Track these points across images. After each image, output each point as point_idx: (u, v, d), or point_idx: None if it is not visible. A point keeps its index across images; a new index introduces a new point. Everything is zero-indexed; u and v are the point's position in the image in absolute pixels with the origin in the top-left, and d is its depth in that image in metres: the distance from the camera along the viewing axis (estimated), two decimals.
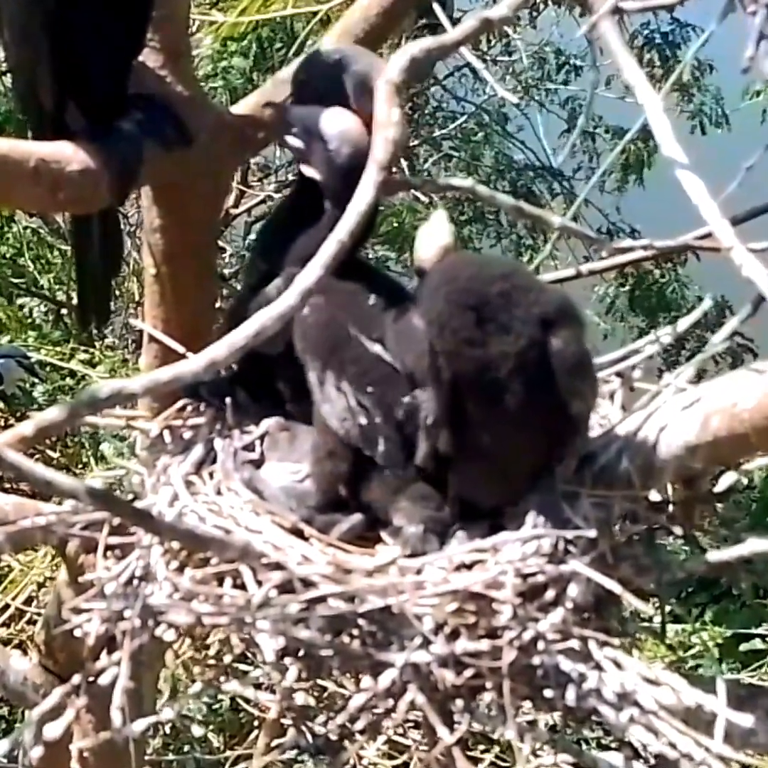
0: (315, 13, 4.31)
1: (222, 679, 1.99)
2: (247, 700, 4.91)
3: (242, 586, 1.86)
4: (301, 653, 1.85)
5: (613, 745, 1.96)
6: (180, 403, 2.22)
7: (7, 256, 7.36)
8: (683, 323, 2.29)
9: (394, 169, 1.76)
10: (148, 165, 2.45)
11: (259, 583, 1.84)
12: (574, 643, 1.80)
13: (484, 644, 1.78)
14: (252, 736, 5.19)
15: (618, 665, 1.79)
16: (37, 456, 5.93)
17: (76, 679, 1.95)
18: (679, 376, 2.00)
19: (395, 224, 7.50)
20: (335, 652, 1.82)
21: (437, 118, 9.52)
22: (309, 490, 2.02)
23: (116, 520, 2.02)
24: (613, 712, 1.78)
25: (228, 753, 5.26)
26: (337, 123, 2.08)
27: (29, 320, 7.07)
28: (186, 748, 5.33)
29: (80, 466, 6.11)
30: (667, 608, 2.08)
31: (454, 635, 1.79)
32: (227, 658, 1.97)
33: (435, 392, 1.89)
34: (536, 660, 1.78)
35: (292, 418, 2.13)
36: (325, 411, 2.01)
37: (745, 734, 1.78)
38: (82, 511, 2.06)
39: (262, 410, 2.16)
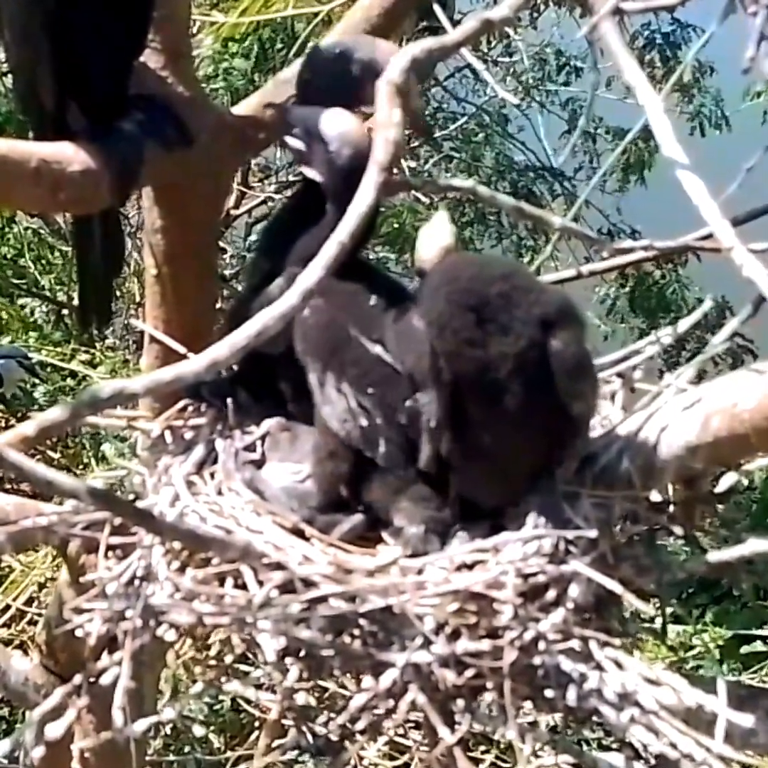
0: (316, 14, 4.31)
1: (223, 679, 1.99)
2: (248, 701, 4.92)
3: (243, 586, 1.86)
4: (302, 653, 1.85)
5: (613, 745, 1.96)
6: (181, 404, 2.22)
7: (8, 256, 7.37)
8: (684, 324, 2.30)
9: (394, 170, 1.76)
10: (149, 165, 2.45)
11: (261, 583, 1.84)
12: (575, 644, 1.80)
13: (485, 644, 1.78)
14: (253, 736, 5.19)
15: (619, 665, 1.80)
16: (37, 456, 5.93)
17: (78, 679, 1.96)
18: (680, 377, 2.00)
19: (396, 225, 7.50)
20: (336, 652, 1.82)
21: (438, 119, 9.51)
22: (310, 490, 2.03)
23: (117, 521, 2.02)
24: (613, 713, 1.78)
25: (229, 753, 5.26)
26: (337, 124, 2.08)
27: (30, 321, 7.07)
28: (187, 748, 5.33)
29: (81, 466, 6.11)
30: (668, 609, 2.08)
31: (455, 635, 1.79)
32: (228, 659, 1.97)
33: (436, 393, 1.90)
34: (537, 660, 1.79)
35: (294, 418, 2.13)
36: (325, 412, 2.01)
37: (745, 734, 1.78)
38: (84, 512, 2.06)
39: (264, 411, 2.16)
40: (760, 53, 1.65)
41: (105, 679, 1.90)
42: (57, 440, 6.27)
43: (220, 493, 2.03)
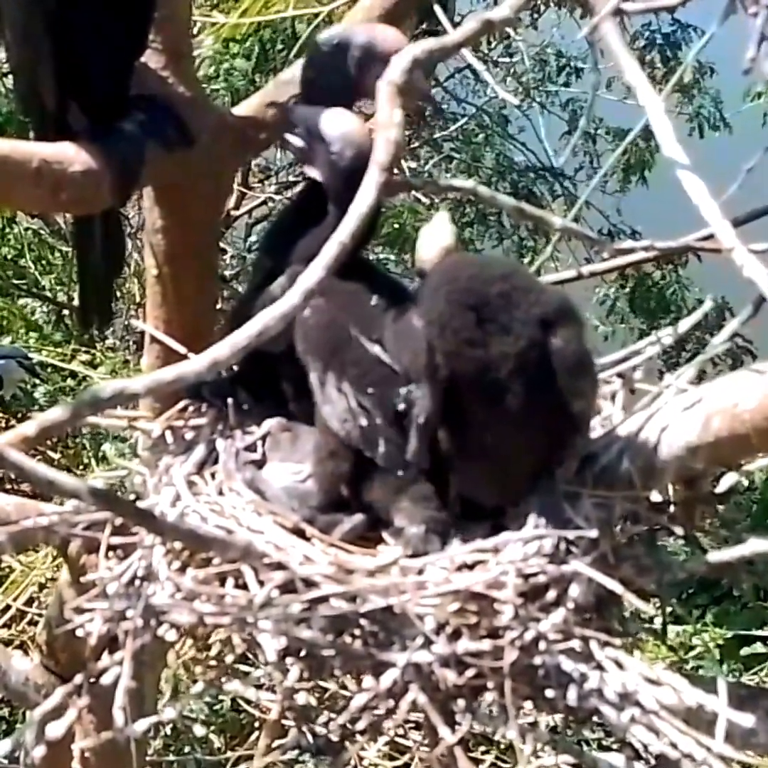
0: (317, 15, 4.31)
1: (223, 679, 1.99)
2: (248, 701, 4.92)
3: (244, 586, 1.86)
4: (303, 653, 1.85)
5: (613, 746, 1.96)
6: (182, 404, 2.22)
7: (9, 257, 7.37)
8: (684, 324, 2.30)
9: (395, 171, 1.77)
10: (150, 166, 2.45)
11: (261, 583, 1.84)
12: (575, 643, 1.80)
13: (486, 644, 1.78)
14: (253, 736, 5.19)
15: (619, 665, 1.80)
16: (38, 457, 5.93)
17: (78, 679, 1.96)
18: (680, 377, 2.00)
19: (396, 226, 7.51)
20: (337, 652, 1.83)
21: (438, 120, 9.51)
22: (311, 490, 2.03)
23: (118, 521, 2.02)
24: (614, 712, 1.78)
25: (229, 753, 5.26)
26: (339, 125, 2.08)
27: (31, 321, 7.07)
28: (187, 748, 5.33)
29: (81, 467, 6.11)
30: (668, 609, 2.08)
31: (455, 635, 1.79)
32: (229, 659, 1.97)
33: (430, 390, 1.90)
34: (538, 660, 1.79)
35: (294, 418, 2.13)
36: (325, 412, 2.01)
37: (746, 734, 1.78)
38: (85, 512, 2.06)
39: (264, 411, 2.16)
40: (761, 54, 1.65)
41: (106, 679, 1.90)
42: (57, 440, 6.28)
43: (221, 493, 2.03)
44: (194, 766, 5.32)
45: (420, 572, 1.85)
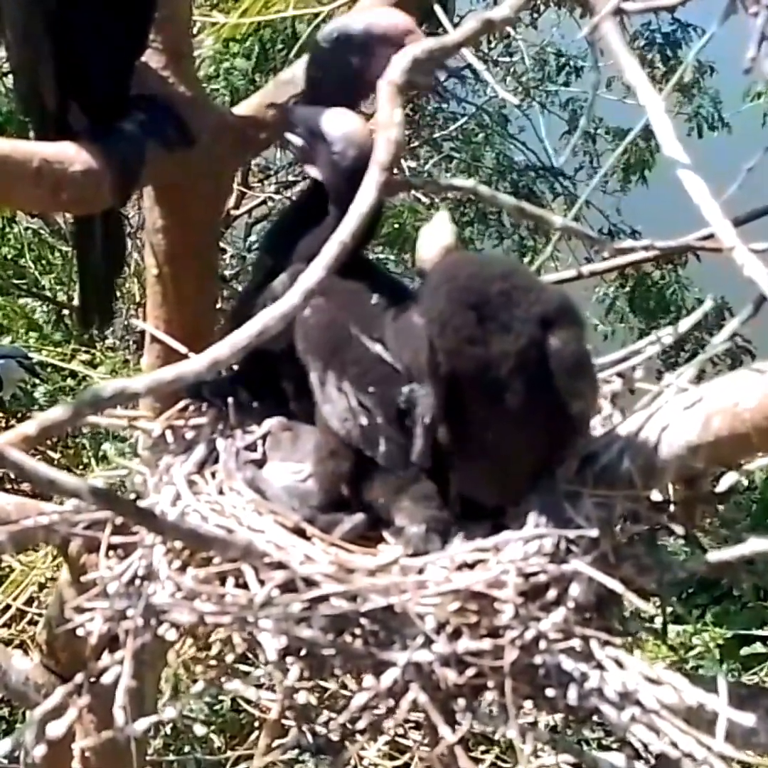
0: (317, 15, 4.31)
1: (224, 678, 1.99)
2: (248, 701, 4.92)
3: (244, 586, 1.86)
4: (303, 652, 1.85)
5: (613, 745, 1.96)
6: (182, 403, 2.22)
7: (9, 256, 7.37)
8: (684, 324, 2.29)
9: (395, 170, 1.77)
10: (150, 165, 2.45)
11: (262, 583, 1.84)
12: (575, 643, 1.80)
13: (486, 643, 1.78)
14: (253, 736, 5.19)
15: (620, 664, 1.80)
16: (38, 456, 5.93)
17: (79, 678, 1.96)
18: (681, 377, 2.00)
19: (396, 225, 7.51)
20: (337, 651, 1.83)
21: (438, 119, 9.52)
22: (311, 489, 2.03)
23: (119, 520, 2.03)
24: (614, 712, 1.78)
25: (229, 753, 5.26)
26: (341, 124, 2.08)
27: (31, 321, 7.08)
28: (187, 748, 5.34)
29: (81, 466, 6.12)
30: (668, 609, 2.08)
31: (456, 634, 1.79)
32: (229, 658, 1.97)
33: (433, 389, 1.90)
34: (538, 659, 1.79)
35: (295, 417, 2.13)
36: (326, 411, 2.01)
37: (746, 734, 1.78)
38: (85, 511, 2.06)
39: (265, 410, 2.16)
40: (761, 54, 1.65)
41: (106, 679, 1.90)
42: (57, 440, 6.28)
43: (221, 492, 2.03)
44: (194, 766, 5.32)
45: (420, 571, 1.85)
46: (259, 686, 2.00)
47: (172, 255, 2.68)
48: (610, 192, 9.31)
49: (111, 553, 2.04)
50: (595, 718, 1.85)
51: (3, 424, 6.46)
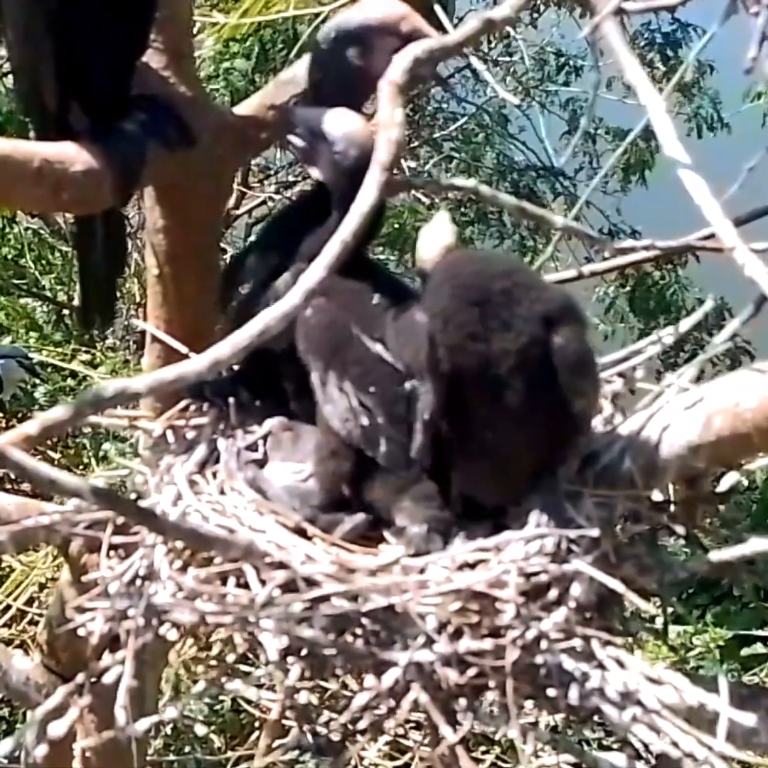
0: (317, 15, 4.31)
1: (224, 679, 1.99)
2: (249, 701, 4.92)
3: (246, 586, 1.86)
4: (304, 652, 1.85)
5: (614, 746, 1.96)
6: (183, 403, 2.22)
7: (9, 257, 7.38)
8: (685, 324, 2.29)
9: (395, 170, 1.77)
10: (151, 166, 2.45)
11: (263, 583, 1.84)
12: (576, 643, 1.80)
13: (488, 643, 1.78)
14: (253, 736, 5.19)
15: (621, 664, 1.80)
16: (38, 456, 5.93)
17: (80, 678, 1.96)
18: (682, 376, 2.00)
19: (396, 226, 7.51)
20: (338, 651, 1.83)
21: (438, 119, 9.53)
22: (312, 489, 2.03)
23: (120, 520, 2.03)
24: (616, 711, 1.78)
25: (229, 753, 5.26)
26: (342, 124, 2.07)
27: (31, 321, 7.08)
28: (187, 748, 5.34)
29: (81, 466, 6.12)
30: (669, 609, 2.08)
31: (457, 634, 1.79)
32: (230, 658, 1.97)
33: (433, 386, 1.90)
34: (539, 659, 1.79)
35: (296, 417, 2.13)
36: (327, 411, 2.01)
37: (747, 733, 1.78)
38: (86, 511, 2.06)
39: (265, 410, 2.16)
40: (762, 54, 1.65)
41: (107, 679, 1.90)
42: (57, 440, 6.28)
43: (222, 492, 2.03)
44: (194, 766, 5.32)
45: (422, 571, 1.85)
46: (259, 686, 2.00)
47: (173, 255, 2.68)
48: (610, 192, 9.32)
49: (112, 553, 2.04)
50: (595, 718, 1.85)
51: (3, 425, 6.46)
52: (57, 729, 1.90)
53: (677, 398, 1.90)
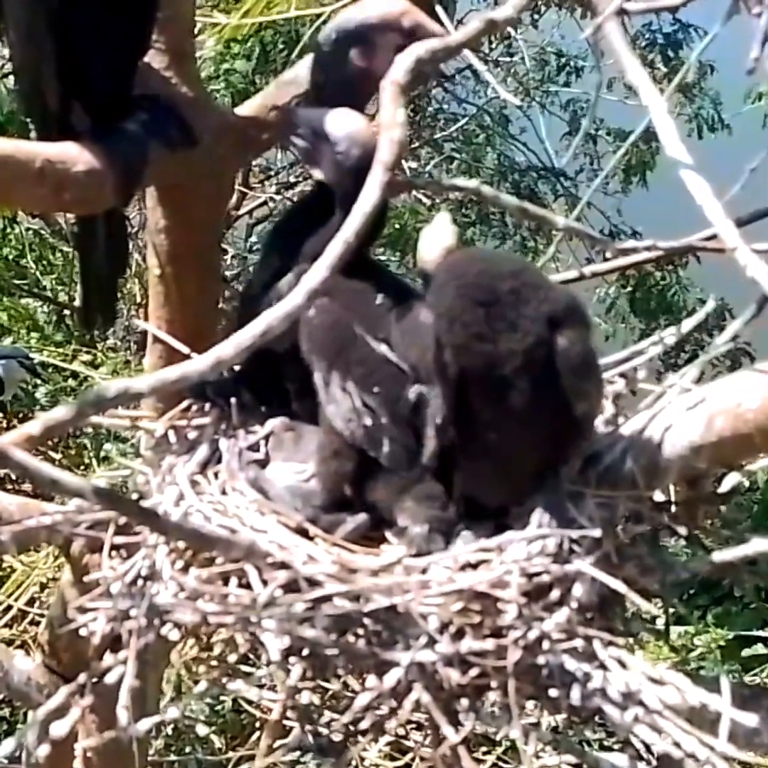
0: (319, 15, 4.31)
1: (226, 679, 1.99)
2: (250, 702, 4.92)
3: (247, 586, 1.86)
4: (306, 652, 1.85)
5: (615, 746, 1.96)
6: (185, 403, 2.22)
7: (10, 257, 7.38)
8: (687, 324, 2.29)
9: (396, 171, 1.77)
10: (153, 166, 2.45)
11: (265, 583, 1.84)
12: (578, 643, 1.80)
13: (490, 643, 1.78)
14: (254, 737, 5.19)
15: (623, 665, 1.80)
16: (39, 457, 5.93)
17: (82, 678, 1.96)
18: (684, 377, 2.00)
19: (397, 226, 7.52)
20: (340, 651, 1.82)
21: (439, 120, 9.53)
22: (314, 489, 2.03)
23: (122, 520, 2.03)
24: (617, 712, 1.78)
25: (230, 754, 5.26)
26: (345, 124, 2.07)
27: (31, 321, 7.08)
28: (188, 748, 5.34)
29: (82, 467, 6.12)
30: (671, 609, 2.08)
31: (459, 634, 1.79)
32: (231, 658, 1.97)
33: (442, 389, 1.90)
34: (541, 659, 1.79)
35: (298, 417, 2.13)
36: (330, 412, 2.01)
37: (749, 734, 1.78)
38: (88, 511, 2.06)
39: (267, 410, 2.16)
40: (764, 54, 1.65)
41: (109, 679, 1.90)
42: (58, 441, 6.28)
43: (224, 492, 2.03)
44: (195, 766, 5.32)
45: (423, 571, 1.85)
46: (261, 686, 2.00)
47: (175, 255, 2.68)
48: (610, 193, 9.33)
49: (114, 553, 2.04)
50: (597, 718, 1.85)
51: (5, 425, 6.46)
52: (59, 729, 1.90)
53: (679, 399, 1.90)
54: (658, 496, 1.98)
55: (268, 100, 2.65)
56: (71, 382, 6.46)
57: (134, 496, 2.14)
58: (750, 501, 5.54)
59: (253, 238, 9.04)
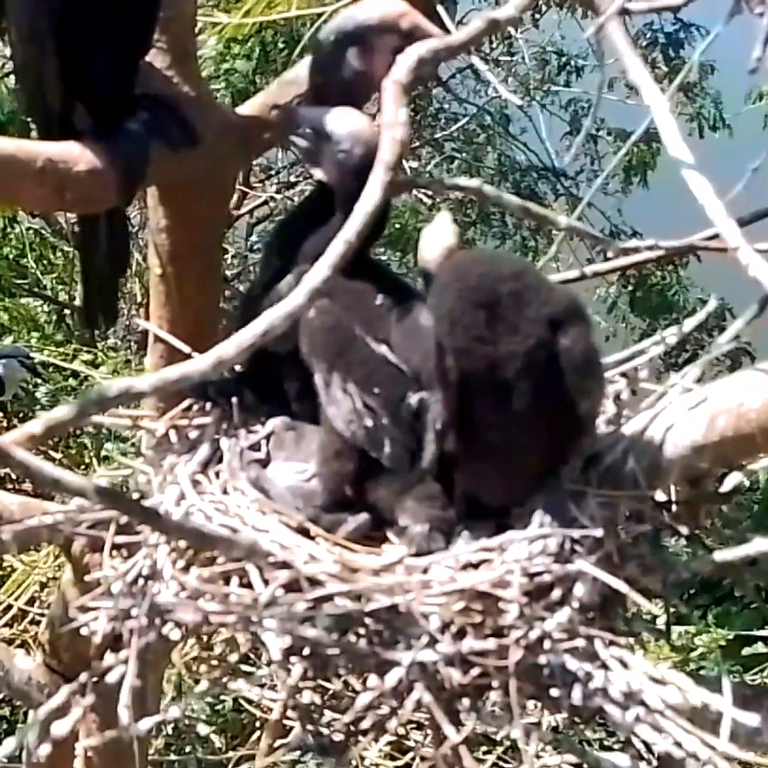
0: (319, 15, 4.31)
1: (226, 678, 1.99)
2: (250, 701, 4.92)
3: (249, 585, 1.86)
4: (307, 652, 1.85)
5: (615, 746, 1.96)
6: (186, 403, 2.22)
7: (10, 257, 7.38)
8: (689, 324, 2.29)
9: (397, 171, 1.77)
10: (155, 165, 2.46)
11: (266, 582, 1.84)
12: (580, 643, 1.80)
13: (491, 643, 1.78)
14: (254, 736, 5.20)
15: (624, 664, 1.80)
16: (40, 456, 5.92)
17: (83, 677, 1.96)
18: (686, 376, 2.00)
19: (398, 226, 7.52)
20: (342, 650, 1.82)
21: (439, 120, 9.54)
22: (315, 489, 2.03)
23: (123, 519, 2.03)
24: (619, 711, 1.78)
25: (230, 753, 5.26)
26: (346, 123, 2.06)
27: (32, 321, 7.08)
28: (188, 748, 5.34)
29: (82, 466, 6.12)
30: (672, 609, 2.08)
31: (460, 634, 1.79)
32: (232, 658, 1.97)
33: (443, 393, 1.90)
34: (542, 659, 1.79)
35: (299, 417, 2.13)
36: (331, 413, 2.00)
37: (750, 733, 1.78)
38: (89, 510, 2.06)
39: (269, 410, 2.16)
40: (767, 54, 1.65)
41: (110, 678, 1.90)
42: (58, 440, 6.28)
43: (225, 491, 2.03)
44: (196, 766, 5.33)
45: (425, 571, 1.85)
46: (261, 686, 2.00)
47: (176, 255, 2.68)
48: (611, 193, 9.33)
49: (115, 552, 2.04)
50: (598, 718, 1.85)
51: (5, 424, 6.47)
52: (59, 729, 1.90)
53: (681, 398, 1.90)
54: (660, 496, 1.98)
55: (270, 100, 2.65)
56: (72, 381, 6.46)
57: (135, 496, 2.14)
58: (751, 501, 5.54)
59: (254, 238, 9.04)
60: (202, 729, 5.26)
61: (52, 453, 6.23)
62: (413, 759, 4.29)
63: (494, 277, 1.88)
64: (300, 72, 2.57)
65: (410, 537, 1.93)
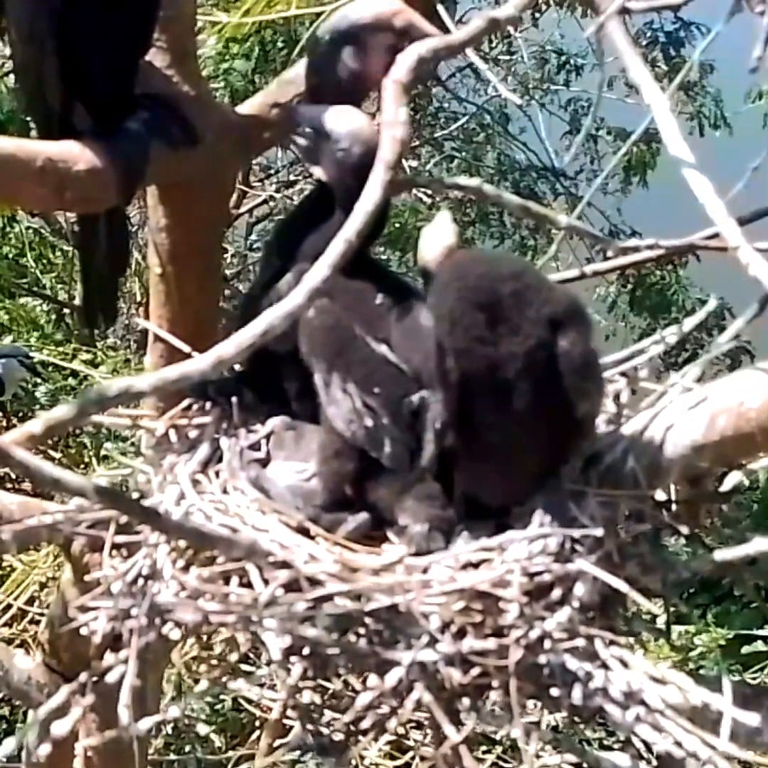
0: (318, 15, 4.31)
1: (226, 678, 1.99)
2: (250, 701, 4.92)
3: (249, 585, 1.86)
4: (307, 652, 1.85)
5: (615, 746, 1.96)
6: (185, 402, 2.22)
7: (10, 256, 7.38)
8: (689, 323, 2.29)
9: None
10: (155, 164, 2.45)
11: (266, 582, 1.84)
12: (580, 642, 1.80)
13: (491, 643, 1.78)
14: (254, 736, 5.20)
15: (624, 664, 1.80)
16: (39, 456, 5.92)
17: (82, 677, 1.96)
18: (685, 376, 2.00)
19: (397, 225, 7.52)
20: (342, 650, 1.82)
21: (439, 119, 9.54)
22: (315, 489, 2.03)
23: (123, 519, 2.02)
24: (619, 711, 1.78)
25: (230, 753, 5.26)
26: (346, 121, 2.06)
27: (31, 320, 7.08)
28: (188, 747, 5.34)
29: (82, 466, 6.12)
30: (672, 608, 2.08)
31: (460, 634, 1.79)
32: (232, 658, 1.97)
33: (443, 393, 1.90)
34: (543, 659, 1.79)
35: (298, 417, 2.13)
36: (331, 413, 2.00)
37: (750, 733, 1.78)
38: (89, 510, 2.06)
39: (268, 409, 2.16)
40: (767, 53, 1.65)
41: (110, 678, 1.90)
42: (58, 440, 6.28)
43: (225, 491, 2.03)
44: (195, 766, 5.33)
45: (425, 571, 1.85)
46: (261, 686, 2.00)
47: (176, 254, 2.68)
48: (610, 193, 9.33)
49: (115, 552, 2.04)
50: (598, 717, 1.85)
51: (5, 424, 6.47)
52: (59, 728, 1.90)
53: (681, 398, 1.89)
54: (660, 495, 1.98)
55: (270, 99, 2.65)
56: (71, 381, 6.45)
57: (135, 495, 2.14)
58: (750, 500, 5.55)
59: (254, 237, 9.04)
60: (202, 729, 5.26)
61: (51, 452, 6.23)
62: (413, 759, 4.29)
63: (494, 277, 1.88)
64: (299, 71, 2.56)
65: (410, 536, 1.93)
